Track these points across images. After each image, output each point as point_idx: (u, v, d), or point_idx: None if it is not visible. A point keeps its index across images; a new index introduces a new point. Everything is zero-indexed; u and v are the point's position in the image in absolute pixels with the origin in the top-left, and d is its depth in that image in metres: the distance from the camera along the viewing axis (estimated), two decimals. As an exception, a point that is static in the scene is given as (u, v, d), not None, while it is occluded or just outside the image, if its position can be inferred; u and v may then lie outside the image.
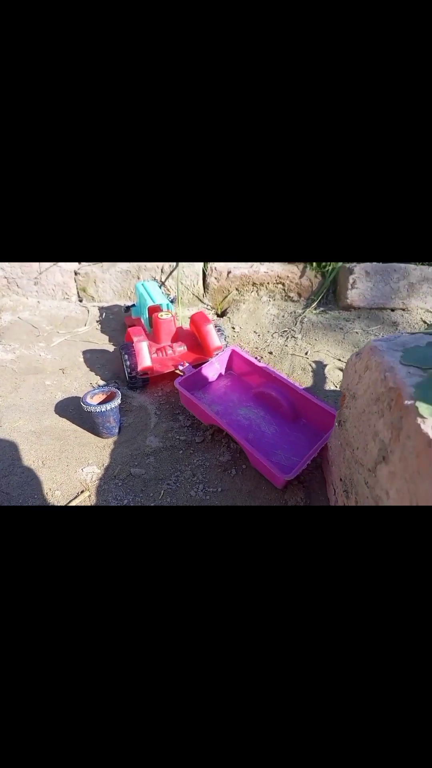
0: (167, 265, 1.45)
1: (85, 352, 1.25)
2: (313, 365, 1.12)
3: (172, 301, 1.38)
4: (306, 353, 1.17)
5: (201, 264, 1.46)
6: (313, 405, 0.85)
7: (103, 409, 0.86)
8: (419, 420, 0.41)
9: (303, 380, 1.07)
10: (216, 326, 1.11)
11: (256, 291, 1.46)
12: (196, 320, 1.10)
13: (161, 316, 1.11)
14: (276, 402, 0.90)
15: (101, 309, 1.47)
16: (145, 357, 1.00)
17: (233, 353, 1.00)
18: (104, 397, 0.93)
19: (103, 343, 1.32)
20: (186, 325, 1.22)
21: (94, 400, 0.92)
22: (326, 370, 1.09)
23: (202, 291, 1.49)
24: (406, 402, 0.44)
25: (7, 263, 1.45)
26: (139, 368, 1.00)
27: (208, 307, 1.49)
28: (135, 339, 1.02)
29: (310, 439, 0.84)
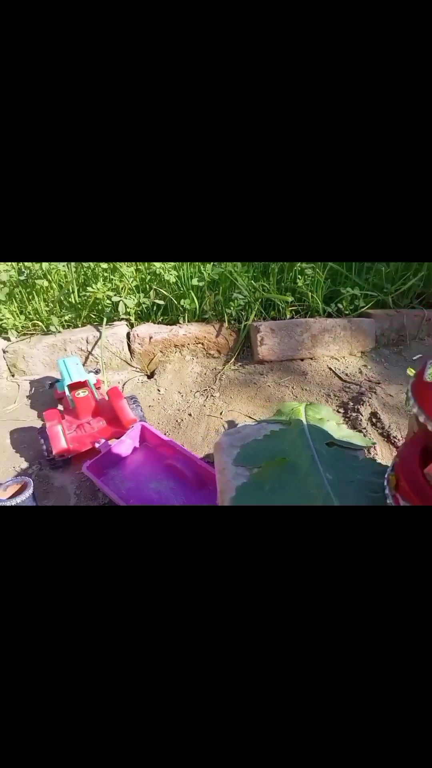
0: (91, 336, 1.53)
1: (12, 432, 1.28)
2: (225, 426, 1.20)
3: (97, 372, 1.45)
4: (221, 413, 1.26)
5: (125, 331, 1.55)
6: (213, 475, 0.92)
7: (12, 503, 0.90)
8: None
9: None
10: (132, 398, 1.18)
11: (179, 351, 1.55)
12: (111, 396, 1.17)
13: (78, 394, 1.17)
14: (182, 473, 0.96)
15: (32, 383, 1.52)
16: (60, 440, 1.05)
17: (143, 428, 1.07)
18: (18, 487, 0.97)
19: (32, 419, 1.35)
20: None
21: (7, 492, 0.95)
22: (236, 430, 1.18)
23: (129, 356, 1.57)
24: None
25: None
26: (55, 452, 1.04)
27: (137, 370, 1.57)
28: (48, 423, 1.07)
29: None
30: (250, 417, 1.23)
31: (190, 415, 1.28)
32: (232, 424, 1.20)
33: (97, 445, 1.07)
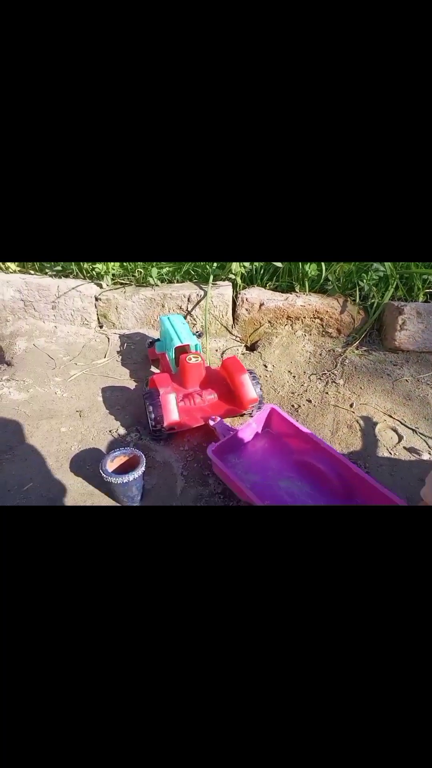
0: (194, 294, 1.34)
1: (104, 390, 1.15)
2: (361, 422, 0.99)
3: (199, 335, 1.27)
4: (351, 405, 1.04)
5: (231, 294, 1.35)
6: (371, 487, 0.72)
7: (125, 480, 0.75)
8: None
9: (350, 441, 0.94)
10: (251, 374, 0.99)
11: (291, 325, 1.33)
12: (229, 367, 0.98)
13: (190, 359, 0.99)
14: (323, 476, 0.77)
15: (122, 337, 1.37)
16: (173, 411, 0.89)
17: (273, 412, 0.88)
18: (125, 459, 0.82)
19: (124, 378, 1.21)
20: (212, 362, 1.10)
21: (114, 464, 0.81)
22: (377, 430, 0.96)
23: (231, 322, 1.38)
24: None
25: (23, 286, 1.36)
26: (166, 423, 0.88)
27: (237, 339, 1.37)
28: (161, 390, 0.90)
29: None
30: (391, 416, 1.00)
31: (309, 401, 1.07)
32: (368, 420, 0.99)
33: (211, 423, 0.91)
